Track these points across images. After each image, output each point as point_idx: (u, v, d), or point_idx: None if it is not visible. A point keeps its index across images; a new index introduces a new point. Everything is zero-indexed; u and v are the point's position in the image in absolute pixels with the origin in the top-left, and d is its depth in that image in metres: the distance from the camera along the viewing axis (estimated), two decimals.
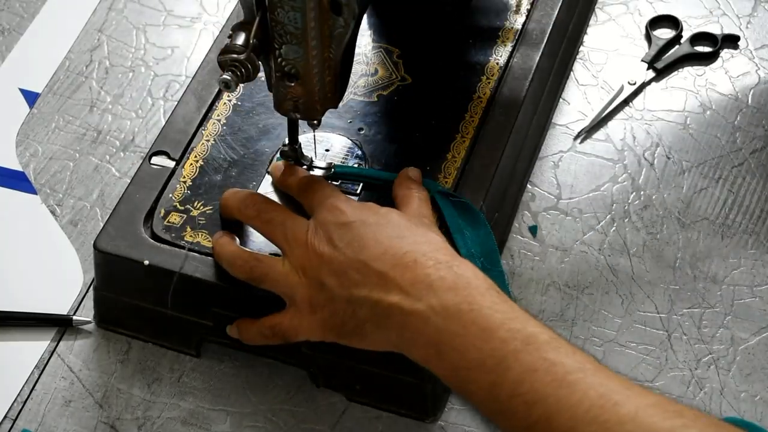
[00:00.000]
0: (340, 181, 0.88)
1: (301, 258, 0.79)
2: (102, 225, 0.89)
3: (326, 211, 0.80)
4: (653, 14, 1.08)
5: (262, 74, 0.82)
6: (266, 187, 0.89)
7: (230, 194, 0.86)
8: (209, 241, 0.85)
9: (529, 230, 0.95)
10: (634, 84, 1.03)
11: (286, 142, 0.88)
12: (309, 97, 0.81)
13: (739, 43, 1.06)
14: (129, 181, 0.91)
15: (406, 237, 0.78)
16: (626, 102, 1.03)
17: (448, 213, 0.85)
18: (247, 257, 0.82)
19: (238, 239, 0.85)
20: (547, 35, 0.97)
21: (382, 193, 0.87)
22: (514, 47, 0.96)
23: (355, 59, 0.83)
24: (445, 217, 0.84)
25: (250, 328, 0.83)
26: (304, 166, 0.88)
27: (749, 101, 1.03)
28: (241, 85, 0.90)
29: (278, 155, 0.89)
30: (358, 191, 0.88)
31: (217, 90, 0.94)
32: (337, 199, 0.81)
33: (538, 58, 0.96)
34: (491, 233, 0.85)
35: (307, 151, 0.89)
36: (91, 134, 1.02)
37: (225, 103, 0.94)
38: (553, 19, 0.98)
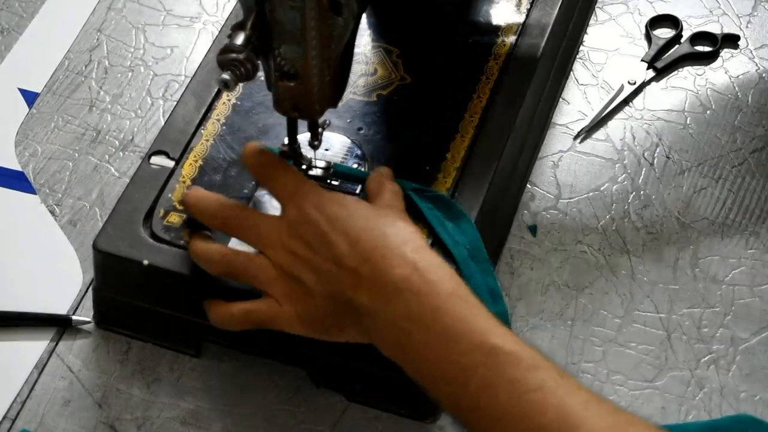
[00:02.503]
0: (339, 181, 0.88)
1: (277, 257, 0.80)
2: (101, 225, 0.89)
3: (295, 209, 0.80)
4: (653, 14, 1.08)
5: (261, 74, 0.82)
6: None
7: (194, 200, 0.84)
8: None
9: (528, 230, 0.95)
10: (634, 84, 1.03)
11: (286, 141, 0.88)
12: (308, 97, 0.81)
13: (739, 42, 1.06)
14: (128, 180, 0.91)
15: (374, 229, 0.78)
16: (626, 102, 1.03)
17: (425, 207, 0.85)
18: (224, 252, 0.82)
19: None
20: (547, 34, 0.97)
21: None
22: (513, 47, 0.96)
23: (354, 59, 0.83)
24: (424, 212, 0.85)
25: (219, 309, 0.83)
26: (304, 166, 0.88)
27: (749, 101, 1.02)
28: (241, 84, 0.90)
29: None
30: (357, 191, 0.88)
31: (216, 90, 0.94)
32: (304, 195, 0.81)
33: (537, 58, 0.96)
34: (472, 222, 0.85)
35: (307, 151, 0.89)
36: (90, 134, 1.02)
37: (224, 103, 0.94)
38: (553, 18, 0.98)
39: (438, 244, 0.84)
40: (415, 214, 0.85)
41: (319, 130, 0.87)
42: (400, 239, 0.77)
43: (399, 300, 0.75)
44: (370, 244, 0.77)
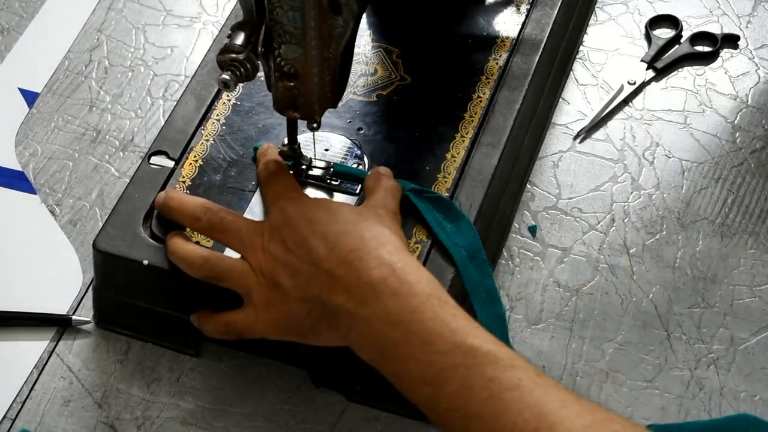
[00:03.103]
0: (339, 181, 0.88)
1: (258, 261, 0.80)
2: (101, 225, 0.89)
3: (278, 212, 0.81)
4: (653, 14, 1.08)
5: (261, 74, 0.82)
6: None
7: (179, 203, 0.84)
8: (208, 240, 0.85)
9: (528, 230, 0.95)
10: (634, 84, 1.03)
11: (286, 141, 0.88)
12: (308, 97, 0.81)
13: (738, 42, 1.06)
14: (128, 180, 0.91)
15: (352, 232, 0.78)
16: (626, 102, 1.03)
17: (423, 208, 0.85)
18: (207, 256, 0.82)
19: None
20: (547, 35, 0.97)
21: None
22: (513, 47, 0.96)
23: (354, 59, 0.83)
24: (423, 213, 0.85)
25: (208, 321, 0.84)
26: (303, 166, 0.88)
27: (749, 101, 1.02)
28: (241, 84, 0.90)
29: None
30: (358, 191, 0.88)
31: (216, 90, 0.94)
32: (288, 200, 0.81)
33: (537, 58, 0.96)
34: (471, 223, 0.85)
35: (307, 150, 0.89)
36: (90, 134, 1.02)
37: (224, 103, 0.94)
38: (553, 18, 0.98)
39: (437, 244, 0.84)
40: (414, 215, 0.85)
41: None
42: (379, 242, 0.77)
43: (376, 301, 0.75)
44: (347, 247, 0.77)
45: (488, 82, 0.94)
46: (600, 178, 0.98)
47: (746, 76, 1.04)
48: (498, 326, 0.83)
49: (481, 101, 0.93)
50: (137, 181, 0.90)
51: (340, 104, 0.85)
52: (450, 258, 0.84)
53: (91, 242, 0.87)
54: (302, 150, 0.88)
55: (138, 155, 1.00)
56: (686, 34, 1.07)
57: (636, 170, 0.98)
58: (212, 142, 0.92)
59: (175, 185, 0.89)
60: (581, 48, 1.06)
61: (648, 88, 1.04)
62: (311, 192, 0.88)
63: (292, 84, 0.81)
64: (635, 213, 0.96)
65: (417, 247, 0.85)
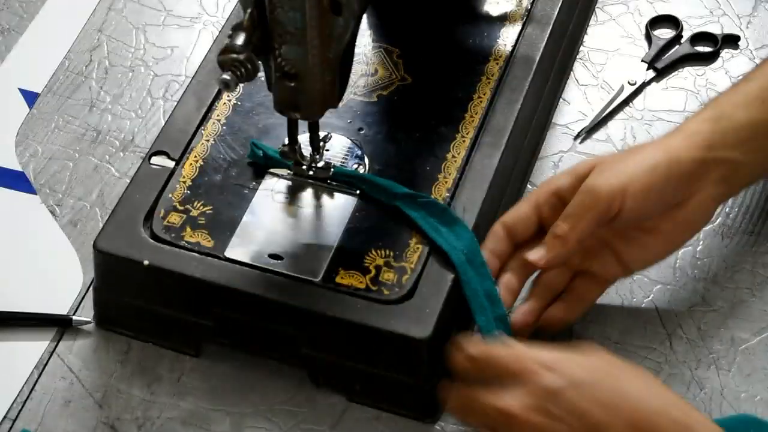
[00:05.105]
0: (339, 183, 0.88)
1: None
2: (102, 225, 0.89)
3: (532, 379, 0.74)
4: (653, 14, 1.08)
5: (261, 74, 0.82)
6: (265, 187, 0.88)
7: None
8: (209, 241, 0.85)
9: None
10: (635, 84, 1.03)
11: (286, 142, 0.88)
12: (309, 97, 0.81)
13: (739, 43, 1.06)
14: (129, 181, 0.91)
15: (631, 397, 0.73)
16: (626, 102, 1.03)
17: (417, 216, 0.85)
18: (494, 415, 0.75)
19: None
20: (547, 35, 0.97)
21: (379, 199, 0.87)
22: (513, 47, 0.96)
23: (354, 59, 0.83)
24: (417, 221, 0.85)
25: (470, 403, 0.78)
26: (303, 167, 0.88)
27: None
28: (241, 85, 0.90)
29: None
30: (357, 193, 0.88)
31: (216, 90, 0.94)
32: (538, 365, 0.75)
33: (537, 58, 0.96)
34: (467, 226, 0.85)
35: (307, 151, 0.89)
36: (90, 134, 1.02)
37: (225, 103, 0.94)
38: (553, 18, 0.98)
39: (435, 249, 0.84)
40: (410, 223, 0.85)
41: (321, 144, 0.87)
42: (661, 402, 0.73)
43: None
44: (638, 414, 0.72)
45: (488, 83, 0.94)
46: None
47: None
48: (500, 328, 0.83)
49: (481, 101, 0.93)
50: (138, 181, 0.90)
51: (340, 104, 0.85)
52: (449, 262, 0.84)
53: (92, 242, 0.87)
54: (302, 150, 0.88)
55: (138, 155, 1.00)
56: (687, 34, 1.07)
57: None
58: (213, 142, 0.92)
59: (175, 186, 0.89)
60: (581, 48, 1.06)
61: (648, 88, 1.04)
62: (311, 192, 0.89)
63: (292, 84, 0.81)
64: None
65: (417, 248, 0.85)
